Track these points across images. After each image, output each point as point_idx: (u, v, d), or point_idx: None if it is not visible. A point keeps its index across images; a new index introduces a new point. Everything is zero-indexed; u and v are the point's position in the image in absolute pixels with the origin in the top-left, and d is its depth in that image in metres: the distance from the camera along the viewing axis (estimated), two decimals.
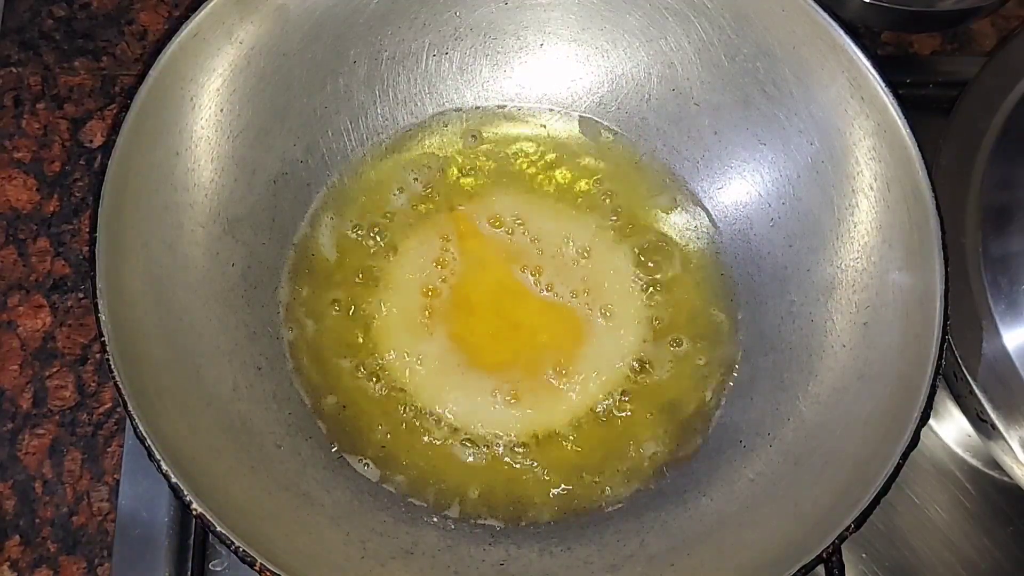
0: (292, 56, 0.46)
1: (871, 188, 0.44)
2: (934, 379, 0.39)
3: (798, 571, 0.37)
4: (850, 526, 0.37)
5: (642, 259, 0.49)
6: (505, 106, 0.52)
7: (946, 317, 0.40)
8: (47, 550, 0.47)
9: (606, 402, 0.47)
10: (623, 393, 0.47)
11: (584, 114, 0.52)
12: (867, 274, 0.44)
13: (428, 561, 0.41)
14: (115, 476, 0.48)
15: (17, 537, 0.47)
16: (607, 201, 0.50)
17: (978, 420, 0.45)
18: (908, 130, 0.42)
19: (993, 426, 0.44)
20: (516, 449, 0.46)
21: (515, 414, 0.46)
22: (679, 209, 0.50)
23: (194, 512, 0.36)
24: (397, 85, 0.50)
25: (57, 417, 0.50)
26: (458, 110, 0.51)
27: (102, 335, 0.38)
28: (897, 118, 0.42)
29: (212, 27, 0.43)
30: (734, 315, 0.48)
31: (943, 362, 0.39)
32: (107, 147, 0.41)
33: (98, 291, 0.39)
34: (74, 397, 0.50)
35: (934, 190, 0.41)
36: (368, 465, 0.45)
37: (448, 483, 0.45)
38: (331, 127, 0.49)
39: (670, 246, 0.50)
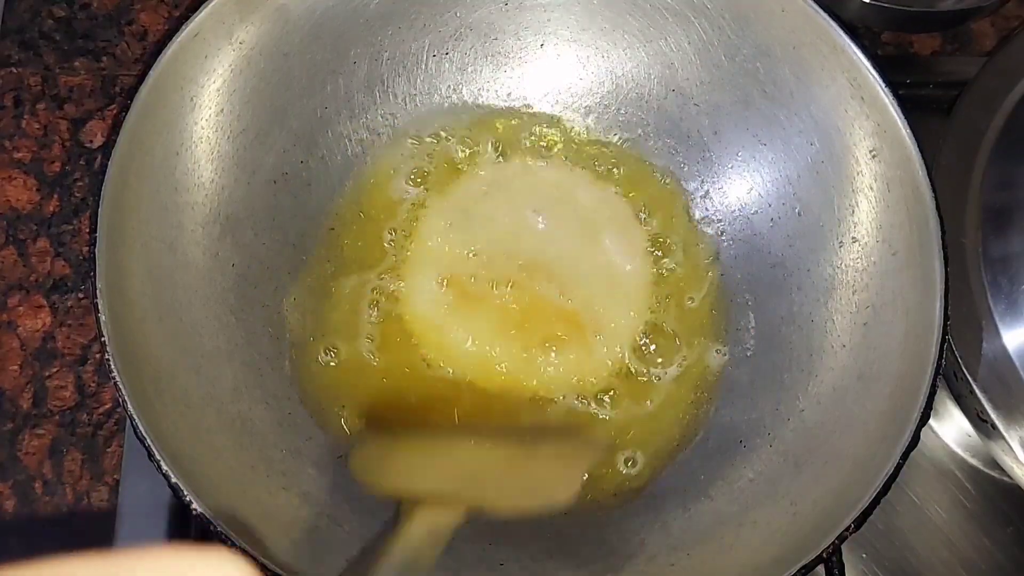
0: (292, 56, 0.46)
1: (871, 188, 0.44)
2: (934, 379, 0.39)
3: (798, 571, 0.37)
4: (850, 526, 0.37)
5: (640, 259, 0.49)
6: (504, 106, 0.51)
7: (946, 317, 0.40)
8: (47, 550, 0.47)
9: (603, 403, 0.47)
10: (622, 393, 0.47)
11: (584, 115, 0.52)
12: (867, 274, 0.44)
13: None
14: (115, 476, 0.48)
15: (17, 537, 0.47)
16: (606, 201, 0.50)
17: (978, 420, 0.45)
18: (908, 130, 0.42)
19: (993, 426, 0.44)
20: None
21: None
22: (679, 209, 0.50)
23: (194, 512, 0.36)
24: (397, 85, 0.50)
25: (57, 417, 0.50)
26: (458, 110, 0.51)
27: (102, 335, 0.38)
28: (897, 118, 0.42)
29: (212, 27, 0.43)
30: (734, 315, 0.48)
31: (943, 362, 0.39)
32: (107, 147, 0.41)
33: (98, 291, 0.39)
34: (74, 397, 0.50)
35: (934, 190, 0.41)
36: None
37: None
38: (331, 127, 0.49)
39: (669, 246, 0.50)
